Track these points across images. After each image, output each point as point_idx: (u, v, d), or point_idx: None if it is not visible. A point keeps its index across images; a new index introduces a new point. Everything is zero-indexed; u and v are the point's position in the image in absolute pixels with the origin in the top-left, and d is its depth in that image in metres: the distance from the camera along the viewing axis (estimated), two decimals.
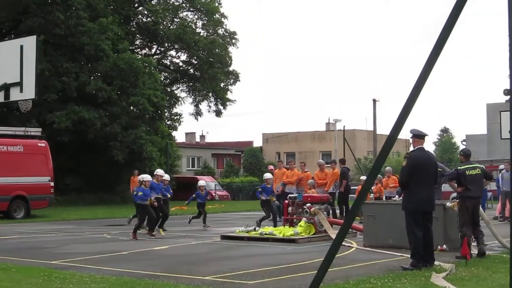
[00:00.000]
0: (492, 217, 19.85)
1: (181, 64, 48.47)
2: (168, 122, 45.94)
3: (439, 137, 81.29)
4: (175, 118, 46.45)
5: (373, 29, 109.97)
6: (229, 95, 48.02)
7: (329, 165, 23.17)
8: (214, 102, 48.02)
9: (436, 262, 10.68)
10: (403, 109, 6.63)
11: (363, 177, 24.25)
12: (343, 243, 11.47)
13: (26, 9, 35.08)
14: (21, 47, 10.16)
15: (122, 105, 36.50)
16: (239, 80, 47.48)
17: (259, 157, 62.10)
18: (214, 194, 44.44)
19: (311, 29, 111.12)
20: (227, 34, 46.35)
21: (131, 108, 37.63)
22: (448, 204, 12.94)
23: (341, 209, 21.76)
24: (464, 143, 50.89)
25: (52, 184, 26.35)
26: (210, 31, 46.44)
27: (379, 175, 19.75)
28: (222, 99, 47.48)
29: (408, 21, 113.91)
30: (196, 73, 47.29)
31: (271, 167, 25.13)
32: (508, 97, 6.53)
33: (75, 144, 35.99)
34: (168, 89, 47.24)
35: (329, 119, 64.42)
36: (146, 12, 44.54)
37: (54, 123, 34.09)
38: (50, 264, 11.45)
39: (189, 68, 48.09)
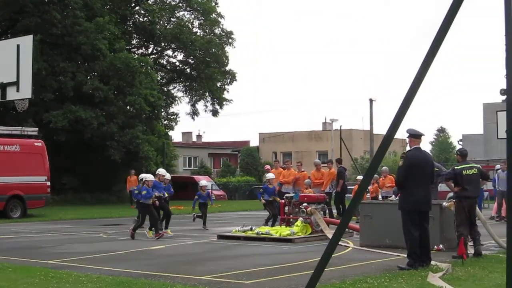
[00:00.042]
0: (488, 217, 19.87)
1: (177, 63, 48.50)
2: (165, 122, 45.97)
3: (435, 137, 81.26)
4: (172, 117, 46.49)
5: (370, 30, 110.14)
6: (226, 95, 48.08)
7: (326, 165, 23.18)
8: (210, 102, 48.00)
9: (432, 262, 10.70)
10: (400, 109, 6.63)
11: (360, 177, 24.27)
12: (340, 243, 11.50)
13: (23, 8, 35.02)
14: (18, 46, 10.17)
15: (119, 105, 36.45)
16: (235, 80, 47.56)
17: (255, 156, 62.17)
18: (211, 194, 44.31)
19: (308, 29, 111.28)
20: (223, 33, 46.34)
21: (128, 107, 37.60)
22: (445, 203, 12.94)
23: (338, 208, 21.77)
24: (460, 143, 50.87)
25: (48, 183, 26.31)
26: (207, 30, 46.44)
27: (375, 175, 19.78)
28: (218, 99, 47.44)
29: (405, 22, 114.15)
30: (192, 72, 47.31)
31: (268, 166, 25.15)
32: (504, 97, 6.55)
33: (72, 144, 35.94)
34: (165, 88, 47.22)
35: (325, 119, 64.56)
36: (142, 11, 44.55)
37: (51, 122, 34.06)
38: (47, 264, 11.44)
39: (185, 67, 48.08)
